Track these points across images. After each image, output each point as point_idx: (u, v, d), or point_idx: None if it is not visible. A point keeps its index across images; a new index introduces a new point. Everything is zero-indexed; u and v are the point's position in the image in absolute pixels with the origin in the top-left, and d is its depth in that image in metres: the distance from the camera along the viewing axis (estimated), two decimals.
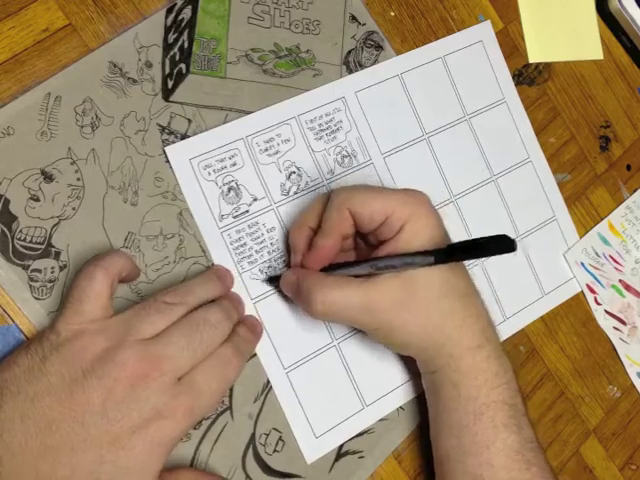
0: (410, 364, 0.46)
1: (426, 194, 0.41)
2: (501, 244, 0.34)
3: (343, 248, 0.42)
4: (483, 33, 0.53)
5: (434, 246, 0.39)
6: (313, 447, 0.43)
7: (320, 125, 0.46)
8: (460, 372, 0.40)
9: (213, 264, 0.42)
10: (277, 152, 0.45)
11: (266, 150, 0.44)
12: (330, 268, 0.40)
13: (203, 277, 0.40)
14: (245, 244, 0.43)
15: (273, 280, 0.43)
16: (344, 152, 0.47)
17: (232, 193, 0.43)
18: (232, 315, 0.38)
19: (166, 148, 0.42)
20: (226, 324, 0.37)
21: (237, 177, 0.43)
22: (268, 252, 0.43)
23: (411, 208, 0.39)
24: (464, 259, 0.38)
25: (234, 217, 0.43)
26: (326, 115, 0.47)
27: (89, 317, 0.34)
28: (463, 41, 0.52)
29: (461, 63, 0.51)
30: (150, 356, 0.33)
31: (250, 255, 0.43)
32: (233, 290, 0.42)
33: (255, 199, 0.44)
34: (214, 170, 0.43)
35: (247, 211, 0.43)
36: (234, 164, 0.43)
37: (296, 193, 0.45)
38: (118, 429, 0.33)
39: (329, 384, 0.44)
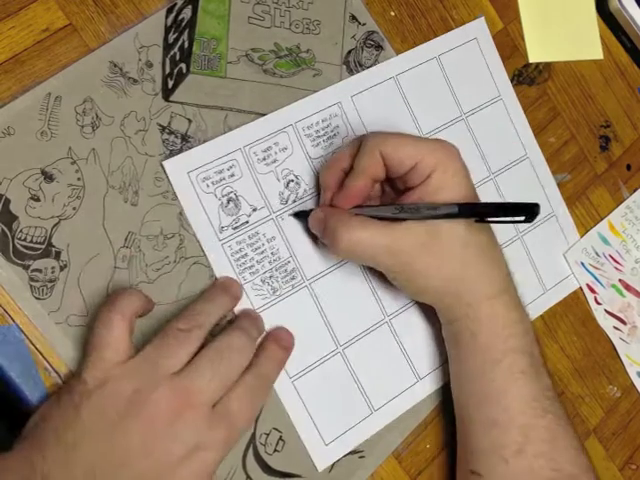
0: (417, 366, 0.46)
1: (456, 146, 0.41)
2: (525, 210, 0.36)
3: (371, 195, 0.43)
4: (477, 30, 0.53)
5: (460, 197, 0.40)
6: (323, 454, 0.43)
7: (317, 132, 0.46)
8: (479, 320, 0.41)
9: (216, 278, 0.42)
10: (275, 161, 0.45)
11: (264, 159, 0.44)
12: (357, 210, 0.41)
13: (209, 293, 0.40)
14: (246, 255, 0.43)
15: (300, 215, 0.44)
16: None
17: (231, 204, 0.43)
18: (252, 334, 0.39)
19: (164, 162, 0.41)
20: (249, 346, 0.38)
21: (236, 188, 0.43)
22: (269, 262, 0.43)
23: (440, 157, 0.40)
24: (487, 217, 0.39)
25: (234, 228, 0.43)
26: (322, 121, 0.46)
27: (112, 362, 0.35)
28: (457, 39, 0.52)
29: (456, 62, 0.51)
30: (181, 391, 0.34)
31: (251, 266, 0.43)
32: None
33: (254, 209, 0.44)
34: (213, 182, 0.43)
35: (247, 222, 0.43)
36: (232, 175, 0.43)
37: (295, 202, 0.45)
38: (161, 466, 0.33)
39: (336, 390, 0.44)
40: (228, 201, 0.43)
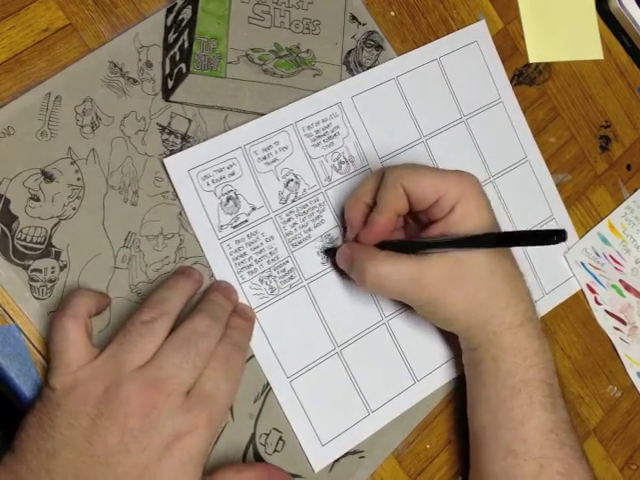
0: (414, 368, 0.46)
1: (476, 177, 0.42)
2: (550, 236, 0.35)
3: (395, 226, 0.43)
4: (478, 33, 0.53)
5: (483, 228, 0.40)
6: (320, 455, 0.43)
7: (317, 132, 0.46)
8: (501, 348, 0.41)
9: (213, 275, 0.42)
10: (275, 160, 0.45)
11: (264, 158, 0.44)
12: (383, 245, 0.41)
13: (169, 281, 0.39)
14: (245, 254, 0.43)
15: (329, 252, 0.44)
16: (341, 158, 0.46)
17: (231, 203, 0.43)
18: (220, 313, 0.38)
19: (165, 160, 0.41)
20: (216, 326, 0.37)
21: (236, 187, 0.43)
22: (267, 261, 0.43)
23: (462, 189, 0.40)
24: (513, 246, 0.40)
25: (233, 227, 0.43)
26: (323, 121, 0.46)
27: (75, 365, 0.34)
28: (458, 42, 0.52)
29: (457, 64, 0.51)
30: (151, 382, 0.33)
31: (250, 265, 0.43)
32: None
33: (254, 208, 0.44)
34: (213, 180, 0.43)
35: (246, 221, 0.43)
36: (232, 173, 0.43)
37: (294, 201, 0.45)
38: (144, 460, 0.33)
39: (333, 391, 0.44)
40: (228, 200, 0.43)
